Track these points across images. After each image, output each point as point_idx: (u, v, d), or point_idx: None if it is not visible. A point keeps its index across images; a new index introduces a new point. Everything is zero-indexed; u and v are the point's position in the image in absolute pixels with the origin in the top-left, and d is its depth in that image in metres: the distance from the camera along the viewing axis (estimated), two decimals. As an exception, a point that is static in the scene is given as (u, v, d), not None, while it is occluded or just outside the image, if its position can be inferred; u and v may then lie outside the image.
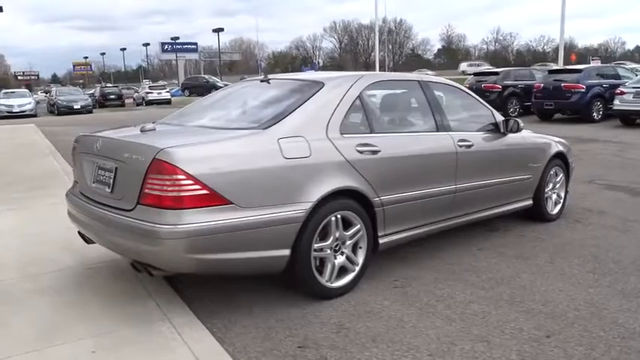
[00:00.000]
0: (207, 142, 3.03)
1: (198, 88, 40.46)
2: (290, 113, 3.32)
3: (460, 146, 4.12)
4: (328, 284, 3.35)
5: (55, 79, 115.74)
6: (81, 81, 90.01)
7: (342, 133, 3.42)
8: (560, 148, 5.24)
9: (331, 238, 3.33)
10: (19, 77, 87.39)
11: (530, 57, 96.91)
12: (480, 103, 4.63)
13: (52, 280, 3.67)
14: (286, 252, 3.12)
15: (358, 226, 3.45)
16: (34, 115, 26.57)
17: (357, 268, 3.50)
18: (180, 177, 2.79)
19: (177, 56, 61.37)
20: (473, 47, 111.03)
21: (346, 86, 3.61)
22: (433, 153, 3.96)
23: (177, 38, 62.29)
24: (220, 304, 3.35)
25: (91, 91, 39.97)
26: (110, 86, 42.84)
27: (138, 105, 36.81)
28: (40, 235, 4.72)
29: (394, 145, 3.69)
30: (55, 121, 21.85)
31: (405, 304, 3.34)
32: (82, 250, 4.05)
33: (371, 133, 3.62)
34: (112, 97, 35.63)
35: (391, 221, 3.66)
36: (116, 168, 3.13)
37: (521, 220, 5.14)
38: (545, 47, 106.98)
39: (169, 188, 2.81)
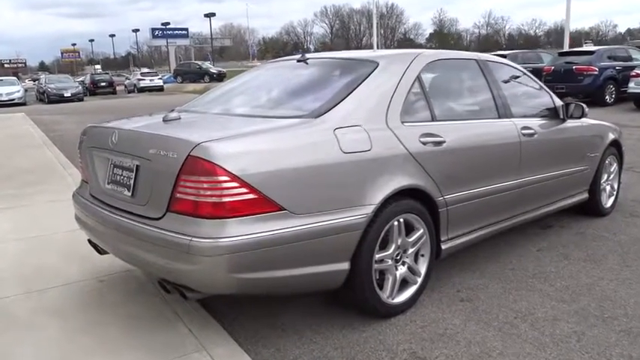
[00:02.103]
0: (251, 134, 2.47)
1: (191, 75, 39.55)
2: (343, 98, 2.77)
3: (523, 135, 3.60)
4: (389, 300, 2.83)
5: (42, 67, 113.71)
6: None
7: (402, 122, 2.88)
8: (615, 135, 4.74)
9: (393, 247, 2.82)
10: (6, 65, 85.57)
11: (522, 40, 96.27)
12: (539, 85, 4.11)
13: (59, 297, 3.12)
14: (345, 265, 2.59)
15: (421, 230, 2.94)
16: (24, 104, 25.74)
17: (420, 280, 2.99)
18: (221, 178, 2.25)
19: (167, 42, 60.06)
20: (465, 31, 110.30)
21: (403, 66, 3.06)
22: (498, 143, 3.44)
23: (168, 24, 60.86)
24: (262, 326, 2.83)
25: (81, 79, 38.98)
26: (101, 73, 41.83)
27: (129, 92, 35.94)
28: (40, 239, 4.16)
29: (459, 134, 3.16)
30: (46, 110, 21.08)
31: (480, 323, 2.83)
32: (90, 257, 3.50)
33: (432, 120, 3.09)
34: (103, 84, 34.70)
35: (455, 223, 3.14)
36: (137, 166, 2.57)
37: (572, 215, 4.64)
38: (537, 31, 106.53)
39: (208, 192, 2.26)
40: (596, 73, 14.11)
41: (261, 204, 2.31)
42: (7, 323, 2.81)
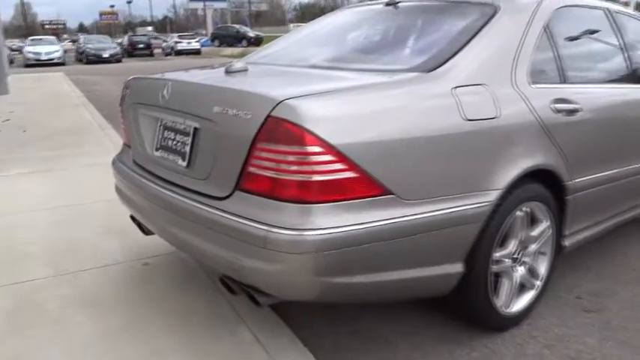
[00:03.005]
0: (350, 91, 1.86)
1: (229, 38, 38.93)
2: (459, 49, 2.12)
3: (660, 105, 2.89)
4: (504, 310, 2.23)
5: (81, 29, 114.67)
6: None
7: (531, 82, 2.22)
8: None
9: (513, 243, 2.20)
10: (46, 26, 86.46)
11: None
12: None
13: (95, 282, 2.63)
14: (458, 267, 1.99)
15: (546, 223, 2.31)
16: (63, 64, 25.68)
17: (539, 284, 2.38)
18: (312, 148, 1.65)
19: (205, 5, 59.29)
20: None
21: (529, 11, 2.38)
22: (635, 115, 2.75)
23: (206, -14, 59.98)
24: (341, 334, 2.27)
25: (120, 40, 38.85)
26: (139, 35, 41.58)
27: (167, 55, 35.67)
28: (76, 209, 3.69)
29: (593, 102, 2.48)
30: (84, 70, 20.86)
31: (621, 344, 2.21)
32: (131, 233, 3.01)
33: (563, 82, 2.42)
34: (141, 46, 34.47)
35: (581, 213, 2.50)
36: (196, 129, 2.00)
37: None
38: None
39: (293, 167, 1.67)
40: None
41: (363, 185, 1.72)
42: (34, 316, 2.32)
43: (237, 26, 43.53)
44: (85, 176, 4.52)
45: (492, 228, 2.04)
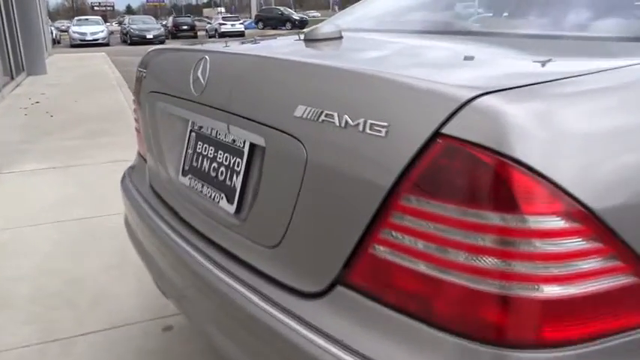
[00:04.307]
0: (602, 79, 0.85)
1: (272, 21, 38.14)
2: None
3: None
4: None
5: (129, 11, 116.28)
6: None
7: None
8: None
9: None
10: (96, 8, 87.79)
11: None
12: None
13: (92, 358, 1.74)
14: None
15: None
16: (107, 44, 25.43)
17: None
18: (549, 221, 0.67)
19: (250, -13, 58.55)
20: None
21: None
22: None
23: (251, -32, 59.26)
24: None
25: (164, 22, 38.65)
26: (183, 16, 41.33)
27: (210, 37, 35.10)
28: (86, 225, 2.83)
29: None
30: (127, 51, 20.36)
31: None
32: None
33: None
34: (185, 27, 34.10)
35: None
36: (254, 148, 1.05)
37: None
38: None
39: (489, 260, 0.69)
40: None
41: (645, 301, 0.73)
42: None
43: (281, 8, 42.62)
44: (105, 177, 3.67)
45: None
